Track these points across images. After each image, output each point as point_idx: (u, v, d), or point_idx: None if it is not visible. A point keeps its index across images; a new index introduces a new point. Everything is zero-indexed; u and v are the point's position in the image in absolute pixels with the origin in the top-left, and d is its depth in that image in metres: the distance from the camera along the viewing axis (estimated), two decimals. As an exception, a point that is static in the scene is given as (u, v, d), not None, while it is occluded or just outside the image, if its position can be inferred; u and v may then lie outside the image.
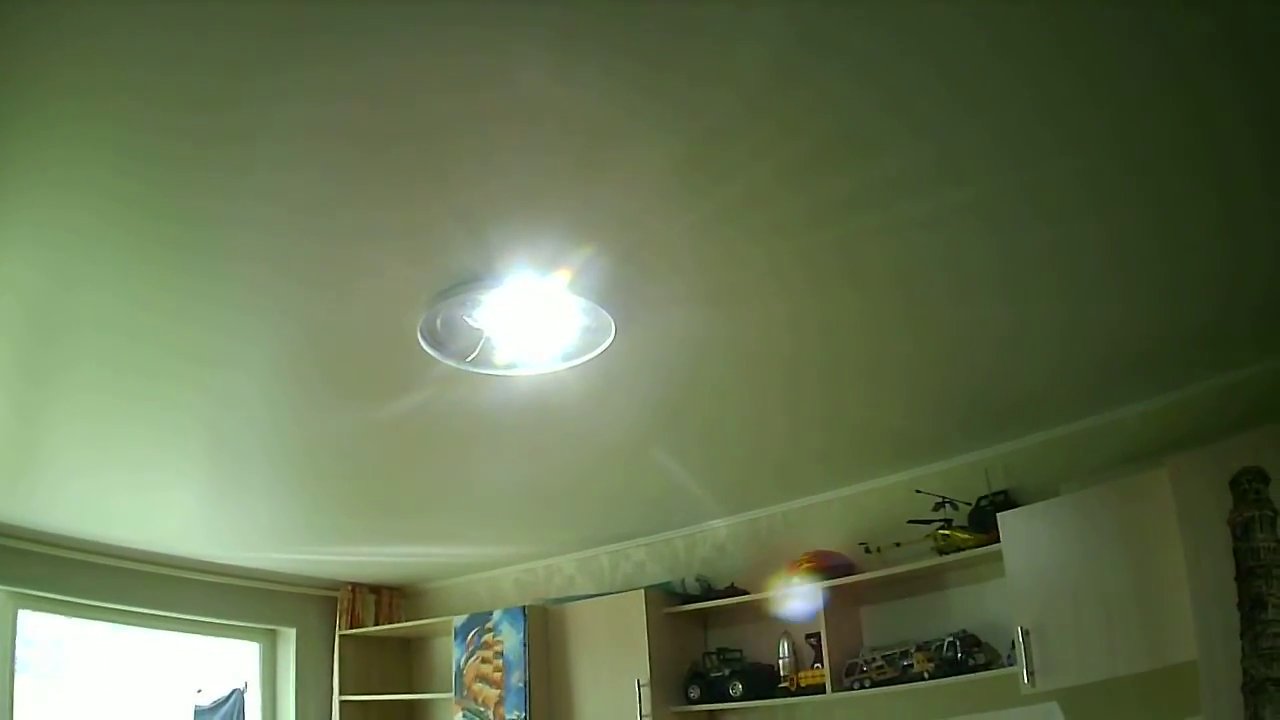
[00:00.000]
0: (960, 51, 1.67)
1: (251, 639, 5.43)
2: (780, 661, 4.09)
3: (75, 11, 1.48)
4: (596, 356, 2.64)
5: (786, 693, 4.01)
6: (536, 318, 2.50)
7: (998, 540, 3.43)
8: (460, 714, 4.78)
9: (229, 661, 5.35)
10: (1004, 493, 3.67)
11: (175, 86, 1.66)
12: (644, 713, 4.17)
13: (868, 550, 3.90)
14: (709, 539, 4.69)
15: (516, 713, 4.53)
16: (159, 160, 1.86)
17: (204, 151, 1.84)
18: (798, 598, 4.00)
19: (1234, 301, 2.77)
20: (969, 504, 3.71)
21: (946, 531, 3.64)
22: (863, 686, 3.72)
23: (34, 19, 1.49)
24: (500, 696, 4.62)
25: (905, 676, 3.63)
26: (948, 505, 3.70)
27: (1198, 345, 3.08)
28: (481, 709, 4.68)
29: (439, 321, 2.50)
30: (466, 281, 2.33)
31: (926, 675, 3.56)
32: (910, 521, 3.74)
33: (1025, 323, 2.77)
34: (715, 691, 4.20)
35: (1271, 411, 3.03)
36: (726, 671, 4.19)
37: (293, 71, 1.64)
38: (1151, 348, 3.06)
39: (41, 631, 4.59)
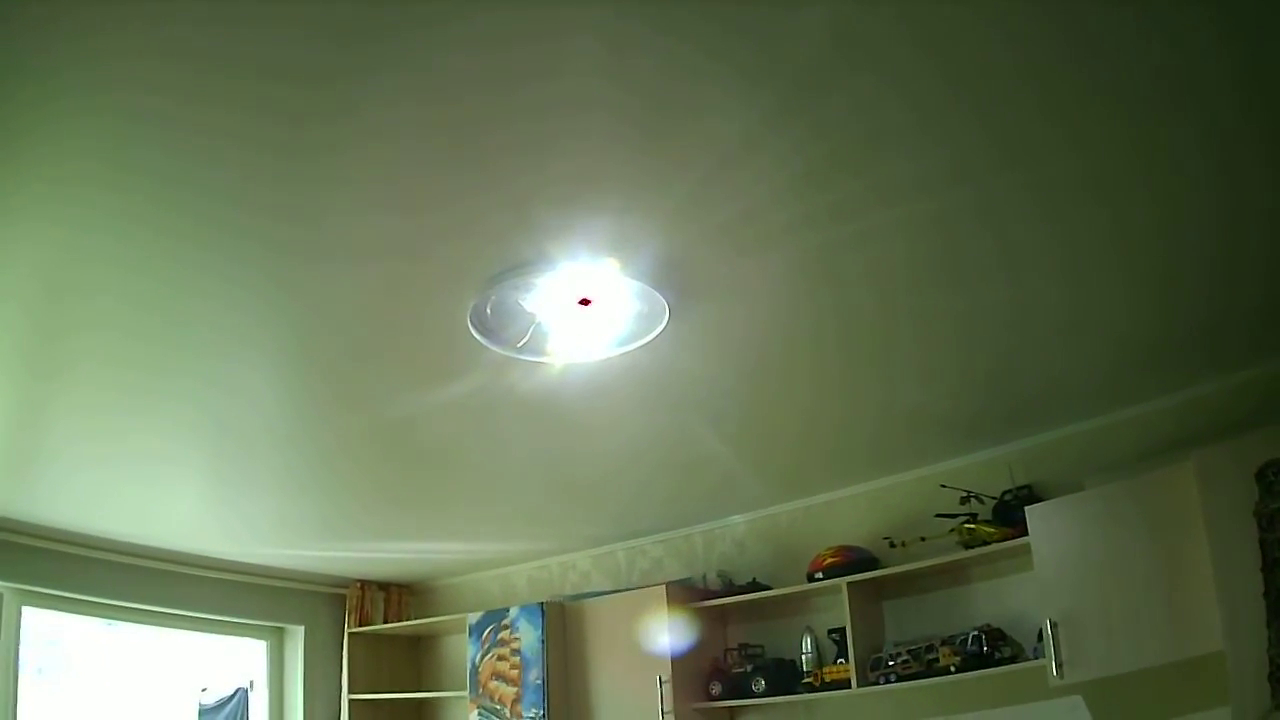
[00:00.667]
0: (975, 54, 1.72)
1: (258, 637, 5.40)
2: (803, 657, 4.10)
3: (81, 9, 1.48)
4: (650, 342, 2.65)
5: (810, 688, 4.01)
6: (589, 303, 2.50)
7: (1023, 534, 3.45)
8: (476, 712, 4.75)
9: (233, 660, 5.32)
10: (1027, 487, 3.70)
11: (204, 88, 1.67)
12: (665, 709, 4.16)
13: (892, 545, 3.91)
14: (728, 535, 4.69)
15: (534, 710, 4.51)
16: (203, 160, 1.88)
17: (242, 152, 1.86)
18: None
19: (1240, 298, 2.81)
20: (993, 498, 3.73)
21: (972, 525, 3.66)
22: (888, 681, 3.73)
23: (36, 16, 1.49)
24: (518, 694, 4.60)
25: (931, 671, 3.64)
26: (974, 499, 3.73)
27: (1210, 342, 3.12)
28: (498, 707, 4.66)
29: (489, 308, 2.49)
30: (517, 267, 2.33)
31: (953, 669, 3.58)
32: (938, 515, 3.75)
33: (1040, 315, 2.82)
34: (737, 688, 4.20)
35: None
36: (749, 668, 4.20)
37: (337, 77, 1.65)
38: (1166, 344, 3.11)
39: (45, 629, 4.55)
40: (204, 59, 1.60)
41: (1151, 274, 2.61)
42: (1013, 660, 3.53)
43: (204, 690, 5.14)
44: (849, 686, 3.83)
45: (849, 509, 4.31)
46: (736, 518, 4.66)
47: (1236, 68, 1.80)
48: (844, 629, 3.89)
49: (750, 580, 4.37)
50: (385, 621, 5.57)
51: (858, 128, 1.91)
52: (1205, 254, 2.53)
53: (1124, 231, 2.37)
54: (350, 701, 5.31)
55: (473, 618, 4.95)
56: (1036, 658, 3.42)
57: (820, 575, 3.99)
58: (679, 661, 4.25)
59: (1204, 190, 2.22)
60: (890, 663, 3.75)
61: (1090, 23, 1.66)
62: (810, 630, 4.14)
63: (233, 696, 5.20)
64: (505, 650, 4.72)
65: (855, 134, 1.93)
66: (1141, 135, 2.00)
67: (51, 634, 4.61)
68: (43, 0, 1.47)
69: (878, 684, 3.77)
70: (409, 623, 5.52)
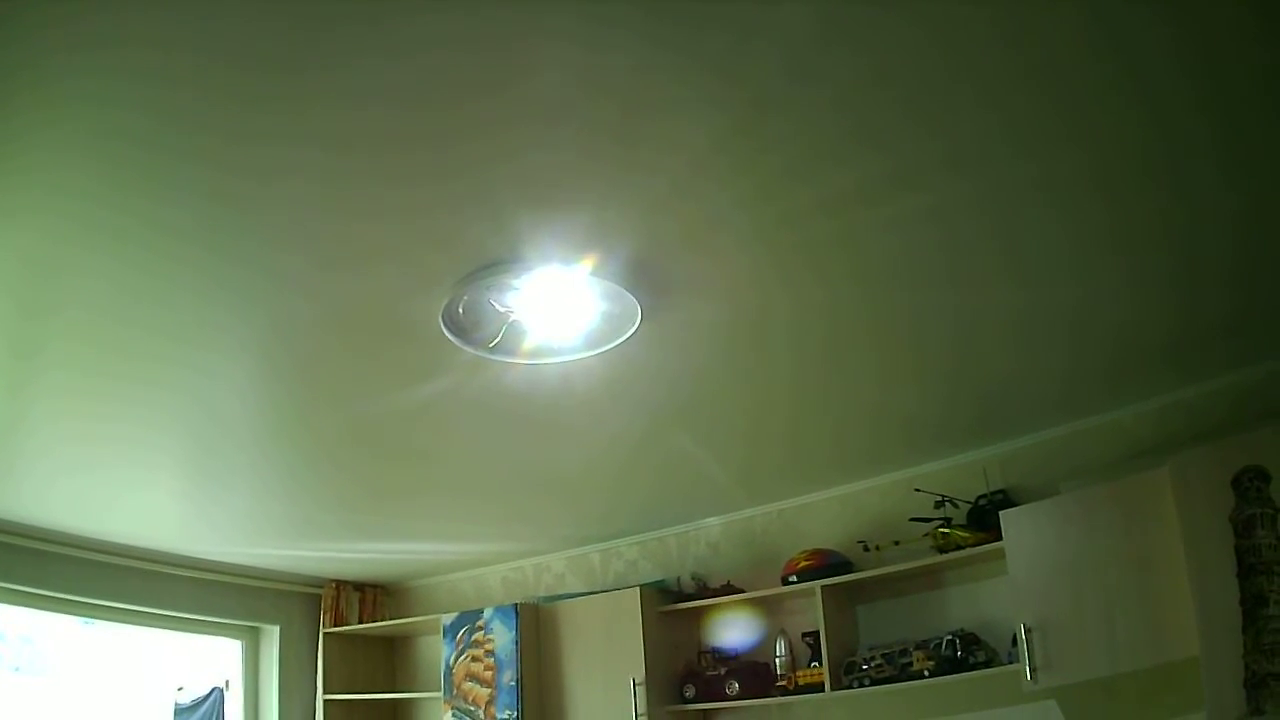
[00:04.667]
0: (973, 49, 1.72)
1: (234, 636, 5.36)
2: (776, 660, 4.09)
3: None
4: (622, 343, 2.64)
5: (784, 691, 4.00)
6: (561, 304, 2.49)
7: (997, 539, 3.45)
8: (450, 713, 4.73)
9: (209, 659, 5.28)
10: (1002, 491, 3.69)
11: (186, 76, 1.65)
12: (639, 712, 4.15)
13: (866, 548, 3.91)
14: (703, 537, 4.68)
15: (508, 712, 4.50)
16: (176, 155, 1.86)
17: (220, 149, 1.85)
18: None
19: (1212, 304, 2.81)
20: (968, 502, 3.73)
21: (946, 530, 3.65)
22: (862, 685, 3.72)
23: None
24: (491, 696, 4.58)
25: (905, 675, 3.63)
26: (948, 503, 3.72)
27: (1186, 347, 3.13)
28: (472, 708, 4.64)
29: (461, 308, 2.47)
30: (489, 267, 2.32)
31: (926, 673, 3.57)
32: (912, 519, 3.75)
33: (1020, 318, 2.81)
34: (711, 690, 4.19)
35: (1269, 412, 3.08)
36: (722, 670, 4.19)
37: (312, 72, 1.64)
38: (1139, 349, 3.11)
39: (21, 626, 4.51)
40: (194, 51, 1.59)
41: (1116, 278, 2.60)
42: (987, 665, 3.52)
43: (180, 689, 5.11)
44: (823, 690, 3.83)
45: (823, 512, 4.30)
46: (711, 520, 4.64)
47: (1184, 67, 1.80)
48: (818, 632, 3.88)
49: (724, 583, 4.36)
50: (360, 622, 5.55)
51: (823, 130, 1.90)
52: (1172, 260, 2.53)
53: (1080, 235, 2.37)
54: (325, 701, 5.29)
55: (447, 619, 4.93)
56: (1010, 662, 3.41)
57: (794, 578, 3.98)
58: (653, 664, 4.24)
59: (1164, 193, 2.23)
60: (864, 666, 3.74)
61: (1043, 38, 1.68)
62: (784, 634, 4.13)
63: (208, 696, 5.17)
64: (479, 651, 4.70)
65: (822, 136, 1.92)
66: (1096, 138, 1.99)
67: (27, 632, 4.58)
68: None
69: (851, 688, 3.76)
70: (384, 623, 5.49)
